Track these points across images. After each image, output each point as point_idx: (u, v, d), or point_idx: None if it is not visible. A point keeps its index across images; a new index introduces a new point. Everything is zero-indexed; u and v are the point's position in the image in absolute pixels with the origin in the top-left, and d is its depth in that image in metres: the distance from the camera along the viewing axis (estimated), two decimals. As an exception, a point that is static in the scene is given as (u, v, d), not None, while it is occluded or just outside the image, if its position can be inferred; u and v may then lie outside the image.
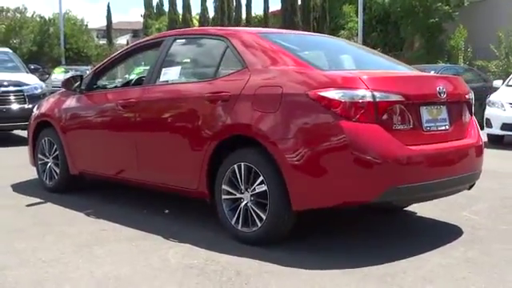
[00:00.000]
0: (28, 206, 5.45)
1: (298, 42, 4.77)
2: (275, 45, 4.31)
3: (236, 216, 4.16)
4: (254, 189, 4.04)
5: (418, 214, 5.09)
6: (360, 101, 3.70)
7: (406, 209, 5.16)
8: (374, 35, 31.70)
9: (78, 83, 5.63)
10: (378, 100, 3.73)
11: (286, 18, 37.12)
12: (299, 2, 37.50)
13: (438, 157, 4.00)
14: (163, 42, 5.05)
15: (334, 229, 4.62)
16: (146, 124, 4.86)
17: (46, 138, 6.06)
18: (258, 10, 44.61)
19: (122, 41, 55.86)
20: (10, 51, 12.76)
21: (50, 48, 34.38)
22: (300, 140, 3.81)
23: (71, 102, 5.76)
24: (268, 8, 40.12)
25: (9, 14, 35.50)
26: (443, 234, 4.51)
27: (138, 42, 5.60)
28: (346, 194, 3.76)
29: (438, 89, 4.07)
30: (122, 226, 4.66)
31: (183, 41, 5.00)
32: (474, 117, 4.60)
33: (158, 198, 5.34)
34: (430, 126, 4.04)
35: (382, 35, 31.51)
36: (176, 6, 54.69)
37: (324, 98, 3.73)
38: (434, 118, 4.09)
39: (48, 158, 6.05)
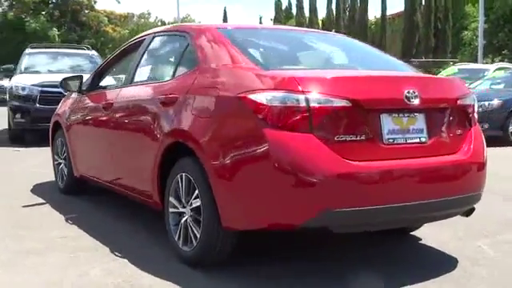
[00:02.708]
0: (24, 206, 5.38)
1: (265, 39, 4.20)
2: (229, 42, 3.76)
3: (178, 232, 3.72)
4: (191, 203, 3.58)
5: (426, 240, 4.32)
6: (290, 105, 3.08)
7: (417, 232, 4.43)
8: (502, 35, 29.43)
9: (77, 84, 5.47)
10: (312, 105, 3.08)
11: (406, 20, 35.69)
12: (423, 2, 35.83)
13: (399, 176, 3.25)
14: (144, 40, 4.73)
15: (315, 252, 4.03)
16: (116, 127, 4.59)
17: (60, 139, 6.00)
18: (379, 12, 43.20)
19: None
20: (96, 54, 13.18)
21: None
22: (227, 149, 3.29)
23: (72, 103, 5.67)
24: (385, 9, 38.72)
25: (134, 20, 37.30)
26: (432, 267, 3.74)
27: (130, 40, 5.33)
28: (271, 216, 3.15)
29: (405, 93, 3.31)
30: (85, 235, 4.39)
31: (159, 39, 4.63)
32: (476, 127, 3.77)
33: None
34: (394, 138, 3.31)
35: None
36: (303, 9, 54.97)
37: (252, 101, 3.17)
38: (404, 128, 3.35)
39: (61, 159, 5.98)
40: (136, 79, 4.59)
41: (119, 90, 4.74)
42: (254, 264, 3.69)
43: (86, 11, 33.92)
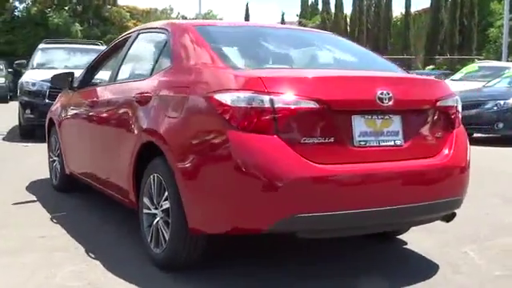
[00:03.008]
0: (14, 204, 5.36)
1: (244, 37, 4.09)
2: (204, 41, 3.66)
3: (150, 234, 3.65)
4: (161, 205, 3.51)
5: (411, 245, 4.19)
6: (254, 107, 2.98)
7: (404, 236, 4.30)
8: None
9: (69, 80, 5.44)
10: (277, 106, 2.98)
11: (432, 16, 35.16)
12: (449, -1, 35.27)
13: (369, 180, 3.13)
14: (130, 37, 4.67)
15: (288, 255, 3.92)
16: (98, 125, 4.57)
17: (53, 136, 6.00)
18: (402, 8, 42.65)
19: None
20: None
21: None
22: (193, 151, 3.21)
23: (64, 100, 5.64)
24: (410, 6, 38.18)
25: (156, 15, 37.42)
26: (410, 273, 3.61)
27: (119, 37, 5.28)
28: (235, 220, 3.06)
29: (378, 94, 3.17)
30: (66, 235, 4.35)
31: (143, 36, 4.55)
32: (460, 129, 3.62)
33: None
34: (366, 141, 3.18)
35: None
36: (329, 5, 54.58)
37: (217, 101, 3.08)
38: (377, 130, 3.22)
39: (55, 156, 5.97)
40: (119, 77, 4.54)
41: (104, 88, 4.70)
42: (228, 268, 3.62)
43: (109, 6, 34.15)
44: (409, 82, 3.58)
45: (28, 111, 10.40)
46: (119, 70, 4.56)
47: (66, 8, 33.31)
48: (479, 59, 26.60)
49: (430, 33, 35.91)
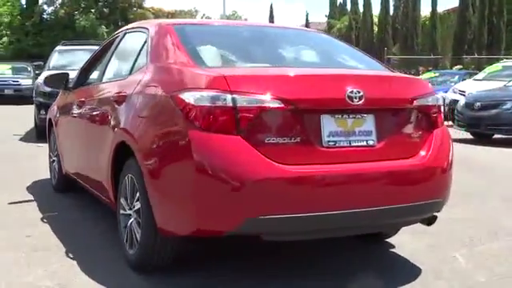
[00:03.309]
0: (10, 203, 5.40)
1: (220, 36, 4.03)
2: (179, 40, 3.61)
3: (126, 235, 3.62)
4: (134, 205, 3.48)
5: (399, 248, 4.07)
6: (217, 106, 2.91)
7: (394, 238, 4.18)
8: None
9: (64, 81, 5.45)
10: (239, 105, 2.90)
11: (459, 15, 34.58)
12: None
13: (337, 182, 3.03)
14: (117, 37, 4.66)
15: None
16: (84, 125, 4.56)
17: (52, 136, 6.03)
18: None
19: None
20: None
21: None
22: (158, 151, 3.17)
23: (60, 101, 5.68)
24: (436, 5, 37.61)
25: (181, 16, 37.61)
26: (390, 278, 3.50)
27: (109, 37, 5.27)
28: (198, 222, 2.99)
29: (348, 92, 3.08)
30: (52, 235, 4.35)
31: (128, 35, 4.52)
32: (441, 129, 3.49)
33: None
34: (335, 141, 3.08)
35: None
36: (358, 5, 54.19)
37: (181, 100, 3.02)
38: (348, 130, 3.13)
39: (54, 156, 6.00)
40: (105, 76, 4.54)
41: (91, 88, 4.71)
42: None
43: (135, 9, 34.48)
44: (383, 81, 3.46)
45: (42, 112, 10.48)
46: (106, 69, 4.56)
47: (93, 11, 33.73)
48: (507, 59, 26.00)
49: (458, 32, 35.28)
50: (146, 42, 3.90)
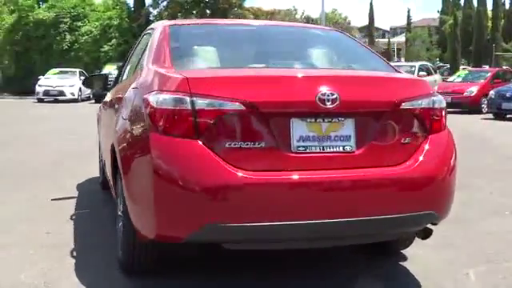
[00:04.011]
0: (53, 200, 5.61)
1: (211, 37, 3.91)
2: (168, 41, 3.54)
3: (117, 236, 3.64)
4: (121, 207, 3.48)
5: (410, 261, 3.79)
6: (176, 109, 2.82)
7: (410, 250, 3.91)
8: None
9: (102, 82, 5.58)
10: (199, 108, 2.79)
11: None
12: None
13: (305, 190, 2.83)
14: (140, 37, 4.69)
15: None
16: (101, 125, 4.65)
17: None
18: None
19: (401, 38, 55.00)
20: None
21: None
22: (129, 154, 3.14)
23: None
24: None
25: (280, 16, 37.65)
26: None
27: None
28: (157, 226, 2.90)
29: (319, 95, 2.86)
30: (70, 233, 4.47)
31: (144, 36, 4.49)
32: (439, 135, 3.18)
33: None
34: (306, 147, 2.89)
35: None
36: (472, 1, 51.92)
37: (148, 103, 2.96)
38: (322, 135, 2.92)
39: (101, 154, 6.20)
40: (122, 78, 4.61)
41: (113, 90, 4.78)
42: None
43: (235, 9, 34.93)
44: (364, 82, 3.19)
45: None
46: (124, 71, 4.63)
47: (194, 12, 34.61)
48: None
49: None
50: (148, 43, 3.90)
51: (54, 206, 5.38)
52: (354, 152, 2.95)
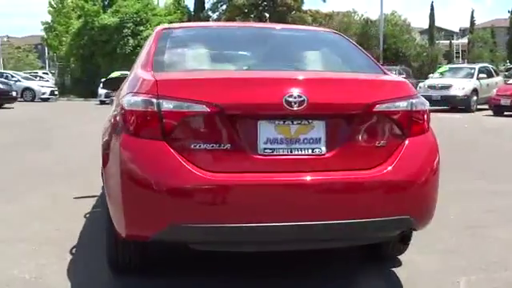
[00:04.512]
0: (75, 198, 5.79)
1: (200, 39, 3.93)
2: (156, 43, 3.59)
3: (108, 235, 3.72)
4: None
5: (404, 268, 3.69)
6: (144, 110, 2.86)
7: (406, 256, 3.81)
8: None
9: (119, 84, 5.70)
10: (165, 110, 2.82)
11: None
12: None
13: (270, 192, 2.80)
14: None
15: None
16: None
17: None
18: None
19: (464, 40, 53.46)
20: None
21: (369, 49, 34.87)
22: (106, 154, 3.21)
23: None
24: None
25: (338, 18, 37.28)
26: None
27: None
28: (126, 225, 2.94)
29: (286, 97, 2.82)
30: (77, 231, 4.58)
31: (148, 39, 4.60)
32: (417, 138, 3.08)
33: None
34: (273, 149, 2.86)
35: None
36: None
37: (121, 105, 3.03)
38: (291, 137, 2.88)
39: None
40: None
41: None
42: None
43: (294, 12, 34.95)
44: (335, 84, 3.12)
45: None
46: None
47: (252, 16, 34.86)
48: None
49: None
50: (145, 46, 3.97)
51: (74, 204, 5.55)
52: (324, 155, 2.90)
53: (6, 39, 64.77)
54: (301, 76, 3.11)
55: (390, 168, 2.93)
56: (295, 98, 2.84)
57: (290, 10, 34.80)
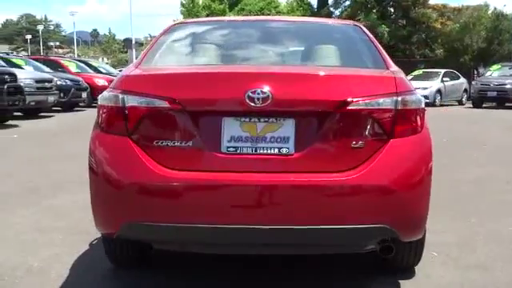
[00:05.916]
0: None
1: (204, 35, 3.83)
2: (158, 39, 3.60)
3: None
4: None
5: (414, 279, 3.38)
6: (111, 106, 2.87)
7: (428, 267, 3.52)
8: None
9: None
10: (129, 105, 2.79)
11: None
12: None
13: (230, 192, 2.68)
14: None
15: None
16: None
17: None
18: None
19: None
20: None
21: (501, 44, 32.49)
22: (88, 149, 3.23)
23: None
24: None
25: (467, 12, 35.13)
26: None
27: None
28: (95, 221, 2.97)
29: (248, 93, 2.66)
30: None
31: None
32: (403, 140, 2.77)
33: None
34: (237, 147, 2.72)
35: None
36: None
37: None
38: (257, 135, 2.72)
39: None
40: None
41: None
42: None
43: (418, 7, 33.47)
44: (306, 80, 2.86)
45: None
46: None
47: (374, 11, 33.89)
48: None
49: None
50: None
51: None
52: (292, 155, 2.72)
53: (149, 38, 68.90)
54: (266, 71, 2.94)
55: (365, 171, 2.68)
56: (258, 94, 2.69)
57: (415, 4, 33.35)
